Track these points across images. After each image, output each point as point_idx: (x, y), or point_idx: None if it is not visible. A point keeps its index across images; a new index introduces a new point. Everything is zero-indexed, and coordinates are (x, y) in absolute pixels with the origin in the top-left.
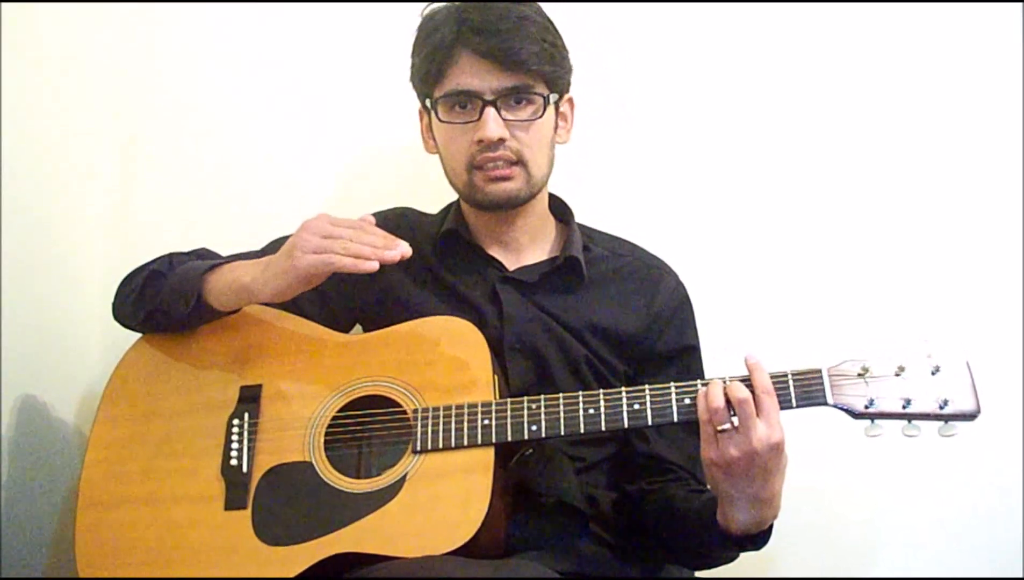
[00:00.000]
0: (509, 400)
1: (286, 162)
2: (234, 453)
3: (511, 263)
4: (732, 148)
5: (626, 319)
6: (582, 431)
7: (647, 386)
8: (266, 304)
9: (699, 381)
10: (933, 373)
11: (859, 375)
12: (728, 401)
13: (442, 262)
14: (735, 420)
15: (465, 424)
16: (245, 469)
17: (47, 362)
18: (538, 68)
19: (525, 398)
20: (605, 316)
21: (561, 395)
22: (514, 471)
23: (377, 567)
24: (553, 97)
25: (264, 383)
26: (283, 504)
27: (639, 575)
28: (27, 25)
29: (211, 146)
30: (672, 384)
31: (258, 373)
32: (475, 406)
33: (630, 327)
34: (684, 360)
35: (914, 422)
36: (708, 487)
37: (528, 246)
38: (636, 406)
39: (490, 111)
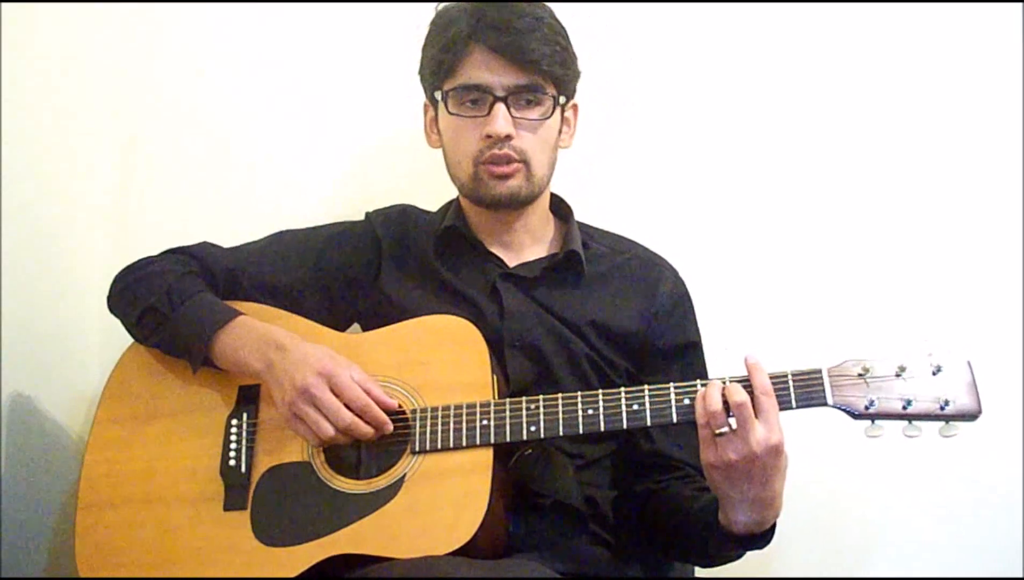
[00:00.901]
0: (508, 400)
1: (286, 162)
2: (233, 453)
3: (511, 260)
4: (732, 148)
5: (626, 316)
6: (581, 432)
7: (646, 386)
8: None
9: (698, 381)
10: (934, 373)
11: (859, 375)
12: (726, 404)
13: (442, 259)
14: (733, 422)
15: (464, 424)
16: (244, 469)
17: (46, 362)
18: (550, 69)
19: (524, 399)
20: (605, 313)
21: (560, 396)
22: (513, 471)
23: (376, 568)
24: (561, 99)
25: (263, 382)
26: (282, 505)
27: (639, 575)
28: (27, 25)
29: (211, 146)
30: (671, 384)
31: None
32: (474, 406)
33: (630, 324)
34: (686, 357)
35: (915, 422)
36: (708, 492)
37: (528, 244)
38: (635, 407)
39: (500, 107)
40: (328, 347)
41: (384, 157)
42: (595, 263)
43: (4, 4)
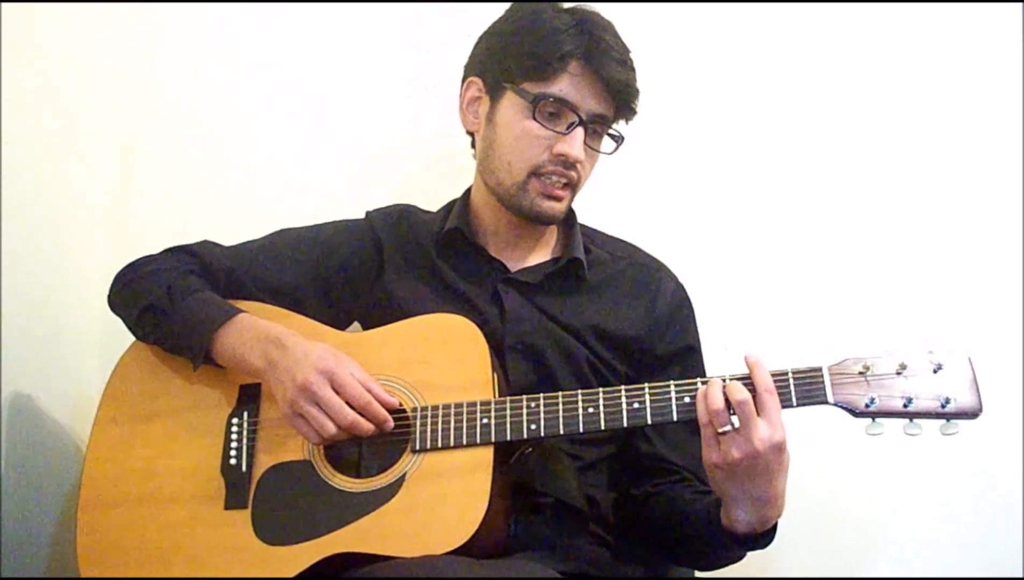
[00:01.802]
0: (508, 399)
1: (286, 162)
2: (233, 452)
3: (513, 265)
4: (733, 149)
5: (627, 321)
6: (581, 430)
7: (646, 385)
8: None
9: (699, 379)
10: (935, 371)
11: (860, 373)
12: (728, 402)
13: (443, 261)
14: (735, 421)
15: (464, 423)
16: (244, 468)
17: (47, 362)
18: (630, 110)
19: (524, 397)
20: (606, 318)
21: (560, 394)
22: (514, 470)
23: (376, 567)
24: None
25: (263, 381)
26: (282, 503)
27: (639, 575)
28: (27, 25)
29: (211, 146)
30: (671, 383)
31: None
32: (474, 405)
33: (631, 329)
34: (685, 361)
35: (915, 420)
36: (708, 490)
37: (531, 248)
38: (635, 405)
39: (580, 131)
40: (328, 345)
41: (384, 157)
42: (597, 268)
43: (4, 4)
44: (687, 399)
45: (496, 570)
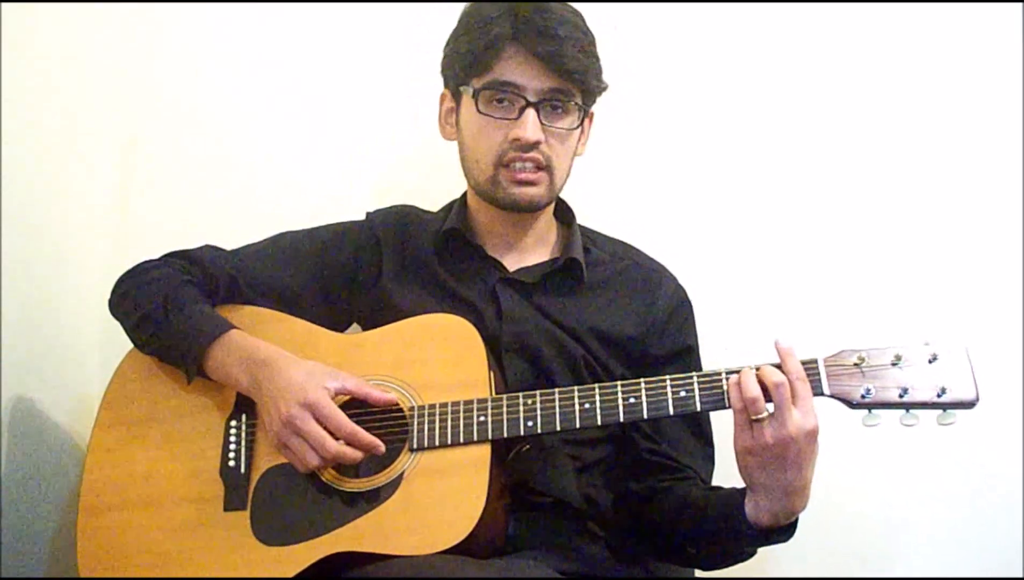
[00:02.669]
0: (505, 396)
1: (286, 162)
2: (232, 454)
3: (512, 264)
4: (731, 148)
5: (625, 322)
6: (577, 426)
7: (642, 380)
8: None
9: (694, 374)
10: (931, 361)
11: (855, 365)
12: (763, 389)
13: (442, 261)
14: (770, 407)
15: (461, 421)
16: (243, 470)
17: (46, 364)
18: (583, 80)
19: (520, 394)
20: (604, 319)
21: (556, 390)
22: (512, 468)
23: (375, 567)
24: (587, 111)
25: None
26: (281, 504)
27: (639, 575)
28: (27, 25)
29: (211, 146)
30: (667, 377)
31: None
32: (471, 403)
33: (629, 330)
34: (682, 361)
35: (912, 411)
36: (720, 486)
37: (530, 248)
38: (631, 400)
39: (531, 112)
40: (317, 364)
41: (384, 157)
42: (595, 269)
43: (4, 4)
44: (683, 394)
45: (495, 570)
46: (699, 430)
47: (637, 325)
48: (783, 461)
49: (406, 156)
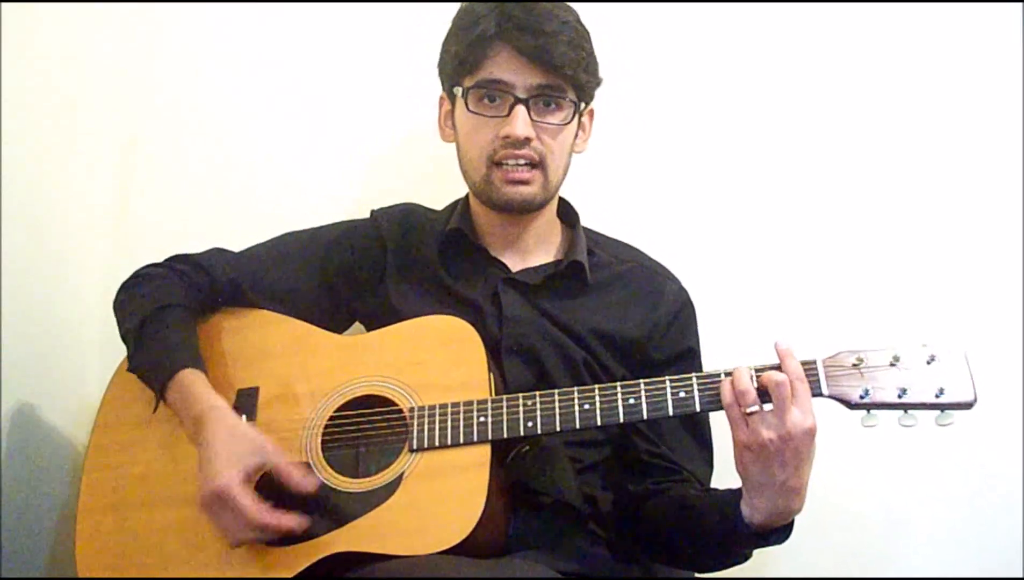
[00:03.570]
0: (505, 397)
1: (286, 162)
2: None
3: (515, 265)
4: (731, 149)
5: (628, 325)
6: (577, 426)
7: (642, 381)
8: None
9: (694, 374)
10: (929, 362)
11: (854, 365)
12: (757, 387)
13: (444, 261)
14: (766, 407)
15: (461, 422)
16: None
17: (46, 365)
18: (573, 74)
19: (520, 395)
20: (607, 321)
21: (556, 391)
22: (512, 468)
23: (375, 567)
24: (581, 105)
25: (261, 386)
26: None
27: (639, 575)
28: (27, 25)
29: (211, 146)
30: (667, 378)
31: (254, 376)
32: (471, 404)
33: (632, 333)
34: (684, 364)
35: (910, 412)
36: (717, 487)
37: (534, 249)
38: (631, 400)
39: (520, 109)
40: (244, 435)
41: (385, 157)
42: (598, 271)
43: (4, 4)
44: (682, 394)
45: (495, 570)
46: (698, 434)
47: (640, 327)
48: (780, 459)
49: (406, 156)
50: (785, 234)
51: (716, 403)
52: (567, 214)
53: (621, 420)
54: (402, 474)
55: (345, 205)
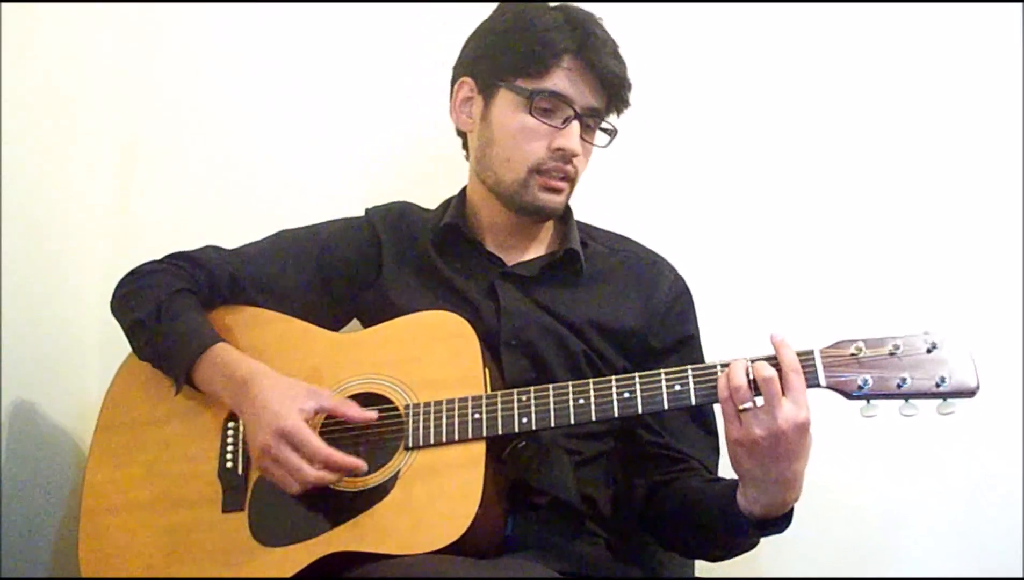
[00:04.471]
0: (499, 393)
1: (286, 162)
2: (230, 456)
3: (510, 259)
4: (730, 142)
5: (625, 314)
6: (572, 422)
7: (636, 374)
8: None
9: (689, 367)
10: (929, 351)
11: (852, 355)
12: (751, 382)
13: (440, 257)
14: (758, 400)
15: (456, 419)
16: (240, 471)
17: (46, 365)
18: (623, 102)
19: (515, 391)
20: (604, 311)
21: (551, 386)
22: (509, 465)
23: (373, 566)
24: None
25: None
26: (278, 505)
27: (638, 575)
28: (27, 25)
29: (211, 146)
30: (661, 371)
31: None
32: (465, 400)
33: (629, 322)
34: (682, 350)
35: (911, 401)
36: (723, 476)
37: (528, 244)
38: (626, 395)
39: (576, 125)
40: (294, 384)
41: (385, 157)
42: (594, 262)
43: (4, 4)
44: (677, 387)
45: (493, 570)
46: (703, 421)
47: (637, 317)
48: (774, 453)
49: (406, 156)
50: (785, 225)
51: (712, 395)
52: None
53: (616, 415)
54: (398, 472)
55: (345, 205)
